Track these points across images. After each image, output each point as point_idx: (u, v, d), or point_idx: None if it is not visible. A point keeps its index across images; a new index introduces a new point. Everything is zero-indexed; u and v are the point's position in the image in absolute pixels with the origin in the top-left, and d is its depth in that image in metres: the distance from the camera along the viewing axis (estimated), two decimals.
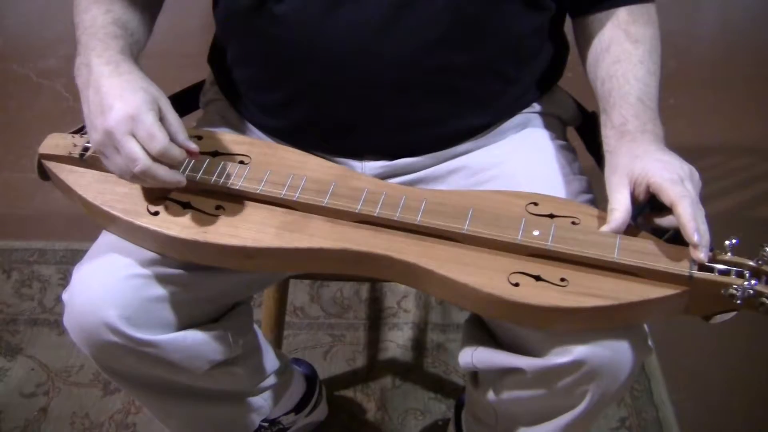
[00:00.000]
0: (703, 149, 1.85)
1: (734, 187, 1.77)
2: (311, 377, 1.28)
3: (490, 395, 0.91)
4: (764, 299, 0.69)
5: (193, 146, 0.77)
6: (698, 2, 2.53)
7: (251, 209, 0.81)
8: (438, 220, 0.77)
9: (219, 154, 0.86)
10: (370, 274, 0.80)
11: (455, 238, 0.77)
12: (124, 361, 0.86)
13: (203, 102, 1.07)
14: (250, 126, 0.98)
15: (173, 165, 0.76)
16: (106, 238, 0.86)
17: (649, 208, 0.79)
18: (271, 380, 1.09)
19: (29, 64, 2.15)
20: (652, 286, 0.72)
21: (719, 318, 0.73)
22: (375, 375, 1.41)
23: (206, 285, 0.87)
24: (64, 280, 1.58)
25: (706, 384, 1.39)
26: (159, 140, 0.74)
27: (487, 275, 0.73)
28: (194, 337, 0.88)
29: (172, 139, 0.76)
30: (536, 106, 0.97)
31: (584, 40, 0.92)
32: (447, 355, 1.44)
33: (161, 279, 0.83)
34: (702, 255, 0.71)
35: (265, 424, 1.18)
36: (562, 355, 0.77)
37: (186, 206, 0.81)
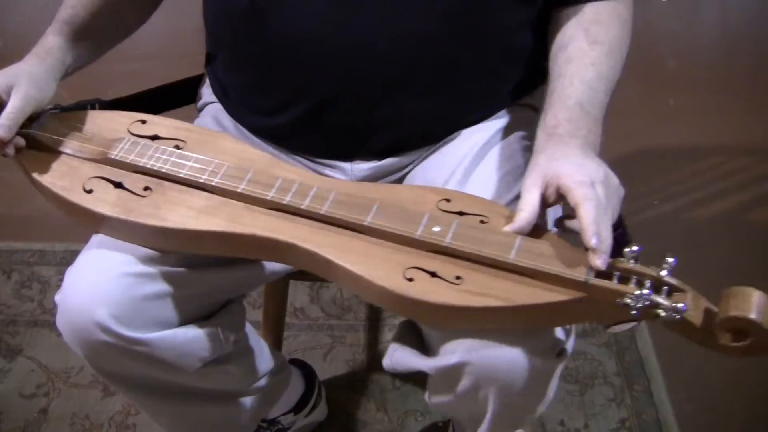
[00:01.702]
0: (702, 150, 1.84)
1: (734, 188, 1.77)
2: (310, 377, 1.28)
3: (431, 400, 0.93)
4: (660, 311, 0.67)
5: (1, 134, 0.82)
6: (698, 2, 2.53)
7: (176, 193, 0.83)
8: (343, 210, 0.78)
9: (158, 138, 0.88)
10: (284, 262, 0.83)
11: (359, 230, 0.77)
12: (116, 361, 0.87)
13: (200, 105, 1.07)
14: (243, 130, 0.98)
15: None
16: (95, 239, 0.87)
17: (562, 212, 0.78)
18: (265, 380, 1.09)
19: None
20: (546, 291, 0.70)
21: (617, 328, 0.71)
22: (375, 376, 1.41)
23: (197, 282, 0.87)
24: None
25: (706, 384, 1.39)
26: None
27: (383, 268, 0.73)
28: (185, 334, 0.88)
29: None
30: (526, 101, 0.97)
31: (550, 36, 0.90)
32: None
33: (152, 277, 0.84)
34: (599, 261, 0.68)
35: (264, 424, 1.18)
36: (449, 356, 0.78)
37: (117, 185, 0.83)
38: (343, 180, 0.86)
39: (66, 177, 0.85)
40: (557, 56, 0.86)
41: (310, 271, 0.80)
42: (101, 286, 0.82)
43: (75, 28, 0.93)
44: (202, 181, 0.82)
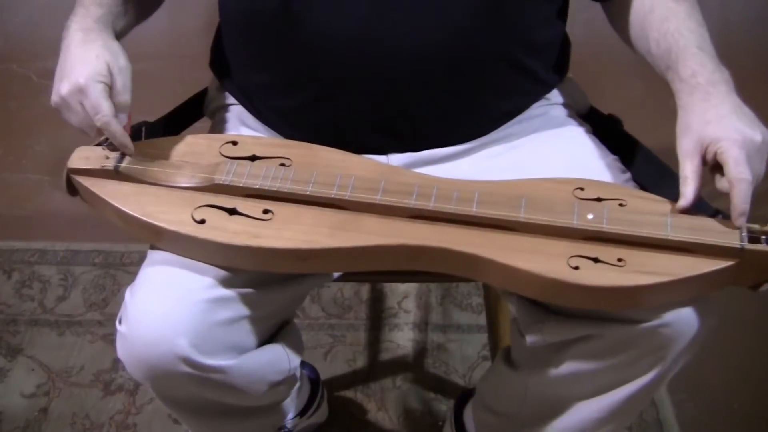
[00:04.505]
0: None
1: None
2: (315, 380, 1.28)
3: (538, 374, 0.90)
4: None
5: (124, 121, 0.82)
6: (698, 3, 2.53)
7: (300, 211, 0.80)
8: (494, 209, 0.78)
9: (258, 158, 0.85)
10: (424, 268, 0.79)
11: (511, 226, 0.78)
12: (186, 389, 0.84)
13: (211, 110, 1.06)
14: (270, 130, 0.97)
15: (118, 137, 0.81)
16: (155, 258, 0.83)
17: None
18: (298, 384, 1.09)
19: (29, 64, 2.15)
20: (705, 260, 0.74)
21: (766, 286, 0.75)
22: (375, 375, 1.41)
23: (265, 302, 0.85)
24: (65, 280, 1.58)
25: (707, 384, 1.39)
26: (102, 115, 0.79)
27: (547, 261, 0.74)
28: (259, 358, 0.87)
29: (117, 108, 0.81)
30: (551, 98, 0.98)
31: (623, 11, 0.91)
32: (447, 355, 1.44)
33: (226, 301, 0.81)
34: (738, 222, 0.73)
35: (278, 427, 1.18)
36: (648, 319, 0.78)
37: (232, 212, 0.80)
38: (472, 180, 0.84)
39: (168, 209, 0.80)
40: (648, 21, 0.87)
41: (451, 272, 0.79)
42: (178, 314, 0.78)
43: None
44: (333, 196, 0.79)
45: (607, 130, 0.99)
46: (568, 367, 0.86)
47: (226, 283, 0.81)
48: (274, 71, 0.93)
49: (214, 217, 0.79)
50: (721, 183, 0.76)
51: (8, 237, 1.71)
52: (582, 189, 0.81)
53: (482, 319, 1.50)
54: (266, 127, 0.98)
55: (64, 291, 1.57)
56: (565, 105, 0.99)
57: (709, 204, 0.78)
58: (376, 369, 1.42)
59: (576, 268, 0.73)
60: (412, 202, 0.79)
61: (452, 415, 1.24)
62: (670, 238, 0.74)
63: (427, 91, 0.88)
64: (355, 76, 0.87)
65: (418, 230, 0.78)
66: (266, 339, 0.90)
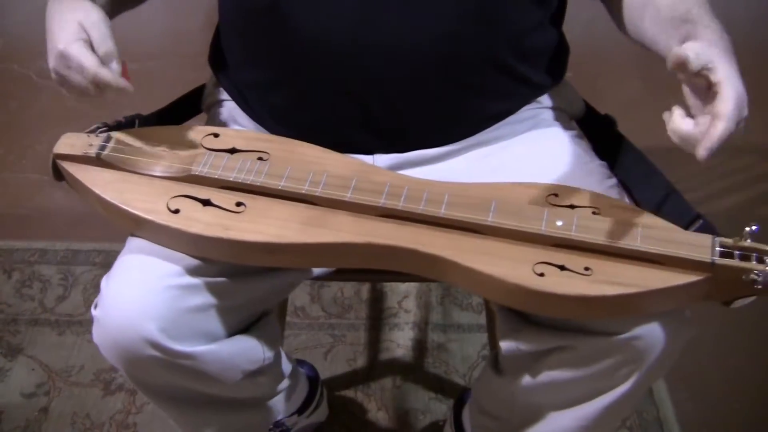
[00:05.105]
0: None
1: (734, 187, 1.77)
2: (314, 378, 1.28)
3: (521, 380, 0.90)
4: None
5: (116, 68, 0.80)
6: None
7: (272, 205, 0.81)
8: (462, 212, 0.77)
9: (237, 150, 0.86)
10: (393, 268, 0.80)
11: (479, 229, 0.77)
12: (158, 375, 0.85)
13: (207, 105, 1.07)
14: (260, 127, 0.98)
15: (110, 85, 0.80)
16: (132, 246, 0.85)
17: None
18: (285, 382, 1.09)
19: (30, 64, 2.15)
20: (675, 273, 0.72)
21: (738, 303, 0.74)
22: (375, 375, 1.41)
23: (239, 292, 0.86)
24: (65, 280, 1.58)
25: (706, 384, 1.39)
26: (87, 69, 0.79)
27: (513, 266, 0.74)
28: (230, 347, 0.87)
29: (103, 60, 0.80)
30: (542, 101, 0.98)
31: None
32: (448, 355, 1.44)
33: (196, 288, 0.82)
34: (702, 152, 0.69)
35: (270, 426, 1.18)
36: (618, 332, 0.77)
37: (206, 203, 0.81)
38: (445, 182, 0.84)
39: (145, 198, 0.81)
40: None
41: (418, 273, 0.79)
42: (148, 299, 0.79)
43: None
44: (304, 191, 0.80)
45: (601, 131, 0.99)
46: (547, 376, 0.87)
47: (199, 271, 0.82)
48: (263, 68, 0.94)
49: (188, 207, 0.80)
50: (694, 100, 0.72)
51: (8, 237, 1.71)
52: (556, 195, 0.80)
53: (482, 319, 1.50)
54: (256, 123, 0.98)
55: (64, 291, 1.57)
56: (557, 108, 0.99)
57: (692, 207, 0.77)
58: (376, 368, 1.42)
59: (541, 274, 0.72)
60: (381, 202, 0.79)
61: (452, 416, 1.24)
62: (639, 249, 0.73)
63: (414, 91, 0.88)
64: (342, 76, 0.87)
65: (387, 230, 0.78)
66: (242, 328, 0.91)
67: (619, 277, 0.72)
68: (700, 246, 0.73)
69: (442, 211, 0.77)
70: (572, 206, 0.79)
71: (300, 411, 1.22)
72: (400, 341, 1.47)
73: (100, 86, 0.80)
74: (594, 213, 0.78)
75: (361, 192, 0.80)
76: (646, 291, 0.72)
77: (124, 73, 0.82)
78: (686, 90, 0.73)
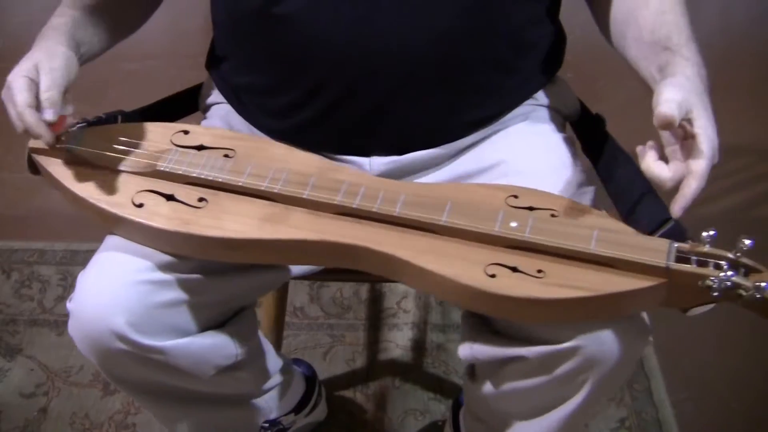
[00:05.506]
0: None
1: (734, 187, 1.77)
2: (311, 377, 1.28)
3: (488, 388, 0.91)
4: (742, 291, 0.68)
5: (48, 116, 0.80)
6: (698, 3, 2.53)
7: (234, 201, 0.81)
8: (416, 211, 0.78)
9: (204, 147, 0.87)
10: (353, 267, 0.80)
11: (433, 229, 0.77)
12: (131, 369, 0.86)
13: (203, 106, 1.07)
14: (255, 130, 0.98)
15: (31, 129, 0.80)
16: (108, 243, 0.86)
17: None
18: (273, 381, 1.09)
19: None
20: (629, 278, 0.71)
21: (697, 310, 0.73)
22: (375, 375, 1.41)
23: (213, 289, 0.87)
24: (64, 280, 1.58)
25: (706, 384, 1.39)
26: (17, 105, 0.80)
27: (464, 266, 0.73)
28: (201, 342, 0.88)
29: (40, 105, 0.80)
30: (538, 98, 0.98)
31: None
32: (447, 355, 1.44)
33: (168, 284, 0.83)
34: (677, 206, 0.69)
35: (266, 425, 1.18)
36: (561, 341, 0.77)
37: (169, 198, 0.82)
38: (405, 182, 0.85)
39: (112, 192, 0.83)
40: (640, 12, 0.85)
41: (376, 272, 0.79)
42: (118, 293, 0.81)
43: (83, 7, 0.92)
44: (263, 188, 0.81)
45: (592, 131, 0.99)
46: (509, 384, 0.87)
47: (172, 267, 0.83)
48: (258, 71, 0.94)
49: (152, 202, 0.82)
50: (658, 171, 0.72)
51: (7, 237, 1.71)
52: (516, 197, 0.80)
53: None
54: (250, 126, 0.98)
55: (63, 291, 1.57)
56: (553, 109, 0.99)
57: (666, 209, 0.74)
58: (375, 369, 1.42)
59: (492, 276, 0.72)
60: (337, 200, 0.79)
61: (451, 416, 1.24)
62: (593, 252, 0.72)
63: (411, 92, 0.88)
64: (338, 77, 0.87)
65: (342, 228, 0.78)
66: (216, 324, 0.91)
67: (572, 280, 0.71)
68: (655, 250, 0.71)
69: (397, 211, 0.78)
70: (531, 208, 0.78)
71: (297, 410, 1.22)
72: (399, 341, 1.47)
73: (24, 125, 0.81)
74: (552, 215, 0.77)
75: (318, 190, 0.80)
76: (599, 295, 0.71)
77: (58, 126, 0.83)
78: (662, 132, 0.72)
